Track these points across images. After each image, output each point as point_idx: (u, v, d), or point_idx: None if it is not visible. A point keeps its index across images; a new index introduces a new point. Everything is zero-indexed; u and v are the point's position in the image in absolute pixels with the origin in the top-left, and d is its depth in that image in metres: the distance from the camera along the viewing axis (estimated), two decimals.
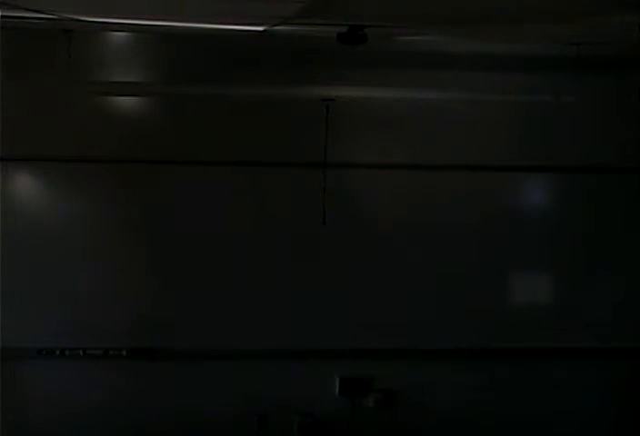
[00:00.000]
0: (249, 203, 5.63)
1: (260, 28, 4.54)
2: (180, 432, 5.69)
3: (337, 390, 5.80)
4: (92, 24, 4.65)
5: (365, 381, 5.81)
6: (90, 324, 5.57)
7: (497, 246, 5.79)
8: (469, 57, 5.58)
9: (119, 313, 5.60)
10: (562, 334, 5.84)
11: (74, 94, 5.45)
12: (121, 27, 5.07)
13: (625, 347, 5.87)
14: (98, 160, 5.51)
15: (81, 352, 5.59)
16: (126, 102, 5.63)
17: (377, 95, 5.61)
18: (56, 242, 5.55)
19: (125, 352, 5.62)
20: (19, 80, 5.38)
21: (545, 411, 5.90)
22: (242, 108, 5.57)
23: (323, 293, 5.69)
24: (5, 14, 3.96)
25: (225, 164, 5.60)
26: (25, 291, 5.53)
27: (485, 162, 5.75)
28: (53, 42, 5.28)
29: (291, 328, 5.68)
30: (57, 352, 5.58)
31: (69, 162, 5.50)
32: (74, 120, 5.49)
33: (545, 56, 5.53)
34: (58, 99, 5.45)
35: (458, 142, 5.72)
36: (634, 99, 4.97)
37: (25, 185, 5.59)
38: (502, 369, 5.85)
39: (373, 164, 5.71)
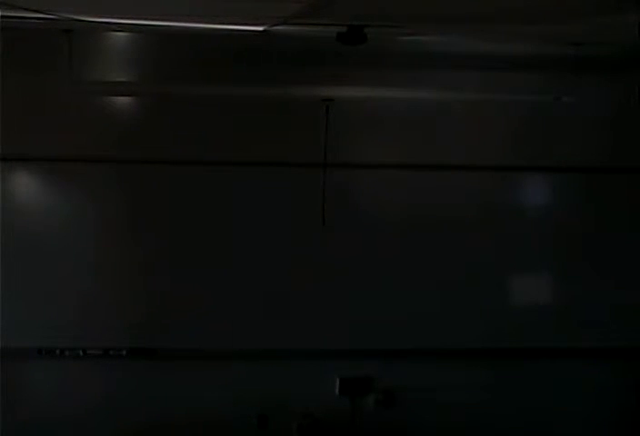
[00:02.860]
0: (249, 202, 5.63)
1: (260, 28, 4.54)
2: (180, 432, 5.68)
3: (337, 390, 5.80)
4: (92, 24, 4.66)
5: (365, 381, 5.81)
6: (90, 324, 5.58)
7: (497, 246, 5.79)
8: (469, 57, 5.57)
9: (119, 313, 5.61)
10: (562, 334, 5.84)
11: (74, 94, 5.45)
12: (121, 27, 5.07)
13: (625, 347, 5.87)
14: (98, 160, 5.51)
15: (81, 352, 5.59)
16: (126, 102, 5.63)
17: (377, 95, 5.60)
18: (56, 242, 5.55)
19: (124, 352, 5.62)
20: (19, 80, 5.38)
21: (545, 412, 5.90)
22: (242, 108, 5.58)
23: (323, 293, 5.69)
24: (4, 14, 3.96)
25: (225, 164, 5.60)
26: (25, 290, 5.53)
27: (485, 162, 5.75)
28: (53, 42, 5.28)
29: (291, 328, 5.68)
30: (57, 352, 5.58)
31: (69, 162, 5.50)
32: (73, 120, 5.49)
33: (545, 56, 5.53)
34: (58, 99, 5.45)
35: (458, 142, 5.72)
36: (633, 99, 4.97)
37: (25, 185, 5.59)
38: (502, 369, 5.85)
39: (373, 164, 5.71)
